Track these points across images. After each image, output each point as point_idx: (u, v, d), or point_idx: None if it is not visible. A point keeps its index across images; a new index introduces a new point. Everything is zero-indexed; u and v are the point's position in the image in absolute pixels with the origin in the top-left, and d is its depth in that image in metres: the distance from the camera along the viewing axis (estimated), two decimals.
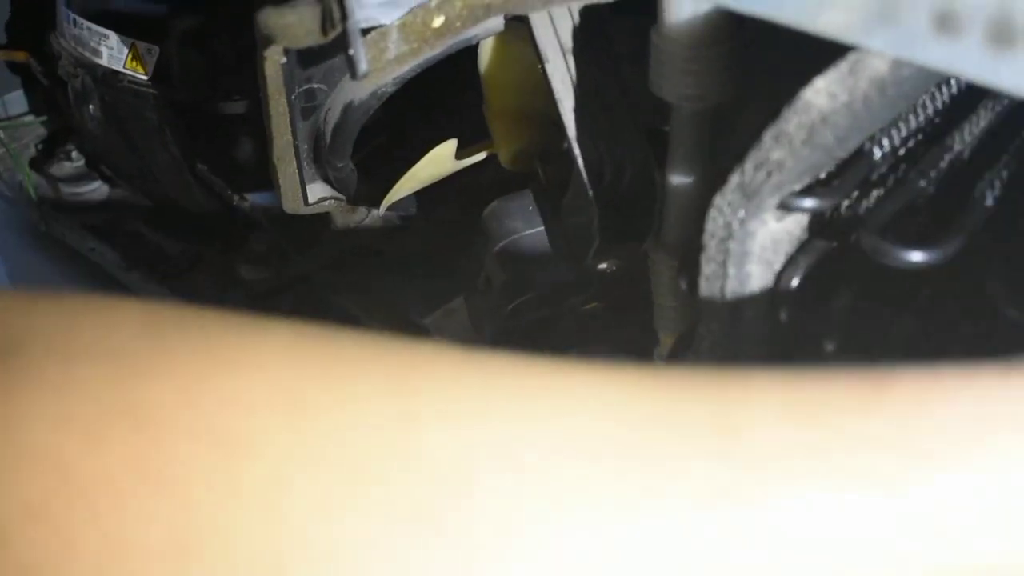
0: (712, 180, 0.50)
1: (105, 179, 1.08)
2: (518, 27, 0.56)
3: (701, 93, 0.45)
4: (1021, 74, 0.31)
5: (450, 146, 0.62)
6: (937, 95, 0.43)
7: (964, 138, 0.42)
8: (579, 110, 0.50)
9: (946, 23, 0.32)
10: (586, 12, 0.51)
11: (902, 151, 0.42)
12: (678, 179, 0.49)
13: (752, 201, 0.36)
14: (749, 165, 0.36)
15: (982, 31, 0.31)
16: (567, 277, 0.57)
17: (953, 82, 0.43)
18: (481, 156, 0.65)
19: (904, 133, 0.42)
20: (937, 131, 0.43)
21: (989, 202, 0.40)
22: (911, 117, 0.42)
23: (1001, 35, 0.31)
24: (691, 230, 0.51)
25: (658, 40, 0.45)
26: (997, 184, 0.40)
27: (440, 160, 0.62)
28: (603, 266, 0.53)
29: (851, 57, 0.34)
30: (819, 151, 0.36)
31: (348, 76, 0.54)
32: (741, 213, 0.37)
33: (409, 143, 0.72)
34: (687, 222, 0.51)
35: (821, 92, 0.34)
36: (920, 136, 0.43)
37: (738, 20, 0.44)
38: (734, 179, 0.36)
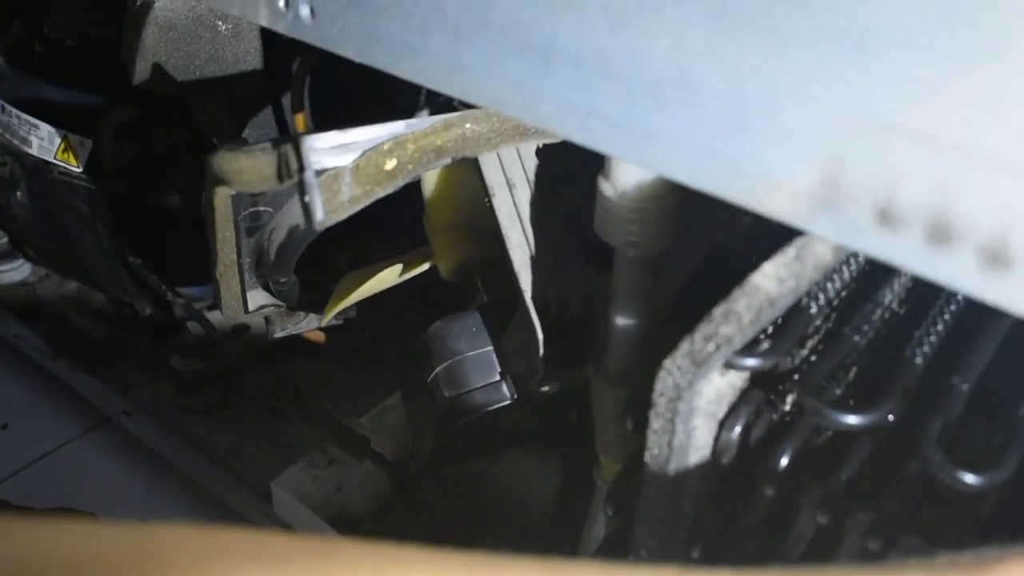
0: (650, 321, 0.52)
1: (29, 259, 1.06)
2: None
3: (644, 240, 0.47)
4: (957, 270, 0.33)
5: (396, 269, 0.63)
6: None
7: (894, 290, 0.45)
8: (525, 244, 0.51)
9: (887, 217, 0.33)
10: (531, 151, 0.53)
11: (836, 303, 0.44)
12: (620, 317, 0.51)
13: (700, 367, 0.38)
14: (699, 336, 0.37)
15: (922, 227, 0.33)
16: (508, 395, 0.58)
17: None
18: (423, 268, 0.66)
19: (838, 285, 0.44)
20: (867, 282, 0.45)
21: (919, 360, 0.42)
22: (844, 268, 0.44)
23: (939, 233, 0.33)
24: (633, 364, 0.52)
25: (605, 189, 0.46)
26: (927, 345, 0.42)
27: (386, 280, 0.63)
28: (545, 389, 0.55)
29: (798, 243, 0.36)
30: (764, 326, 0.38)
31: (294, 198, 0.55)
32: (689, 377, 0.38)
33: (348, 249, 0.72)
34: (629, 356, 0.52)
35: (770, 277, 0.36)
36: (852, 287, 0.45)
37: None
38: (684, 347, 0.37)
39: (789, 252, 0.36)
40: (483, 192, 0.52)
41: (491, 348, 0.56)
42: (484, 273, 0.62)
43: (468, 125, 0.47)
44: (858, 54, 0.32)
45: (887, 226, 0.34)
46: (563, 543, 0.63)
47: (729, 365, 0.40)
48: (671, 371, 0.38)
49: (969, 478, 0.37)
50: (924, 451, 0.38)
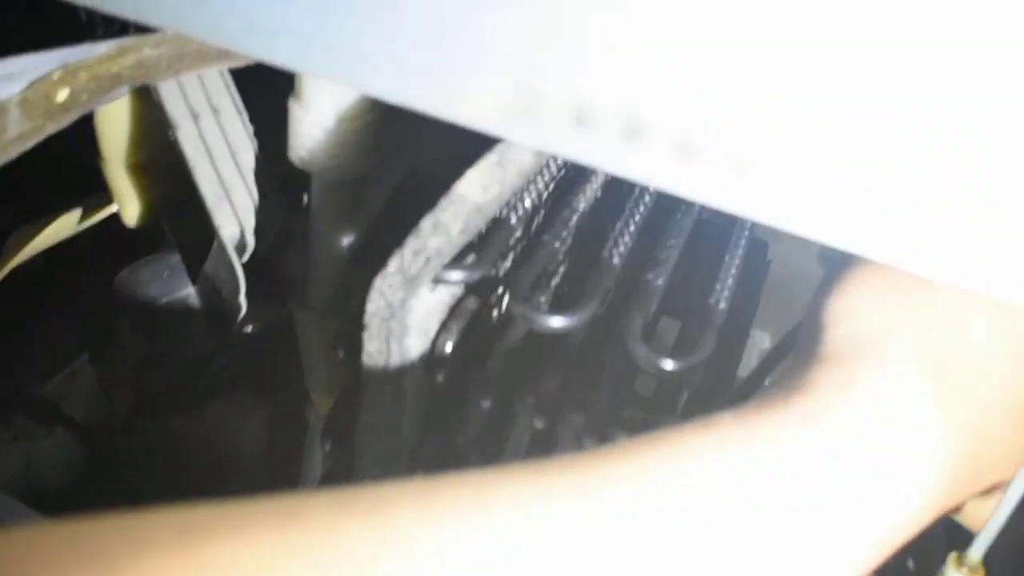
0: (354, 246, 0.51)
1: None
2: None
3: (343, 164, 0.46)
4: (650, 166, 0.34)
5: (75, 215, 0.58)
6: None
7: (587, 196, 0.46)
8: (215, 178, 0.49)
9: (583, 119, 0.34)
10: (217, 78, 0.50)
11: (534, 210, 0.45)
12: (321, 246, 0.49)
13: (411, 283, 0.37)
14: (408, 252, 0.37)
15: (618, 126, 0.34)
16: (209, 341, 0.55)
17: None
18: (106, 214, 0.61)
19: (534, 196, 0.45)
20: (562, 190, 0.47)
21: (616, 261, 0.43)
22: (539, 179, 0.45)
23: (633, 130, 0.34)
24: (337, 294, 0.51)
25: (297, 112, 0.45)
26: (622, 245, 0.44)
27: (64, 228, 0.58)
28: (249, 329, 0.53)
29: (499, 149, 0.36)
30: (473, 235, 0.38)
31: None
32: (401, 295, 0.38)
33: (14, 202, 0.66)
34: (332, 286, 0.51)
35: (474, 184, 0.36)
36: (547, 197, 0.46)
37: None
38: (394, 264, 0.37)
39: (490, 159, 0.36)
40: (165, 126, 0.49)
41: (188, 292, 0.53)
42: (171, 214, 0.59)
43: (146, 50, 0.44)
44: None
45: (584, 127, 0.35)
46: (280, 488, 0.61)
47: (438, 280, 0.40)
48: (382, 291, 0.38)
49: (669, 365, 0.39)
50: (628, 346, 0.40)
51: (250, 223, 0.48)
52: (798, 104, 0.32)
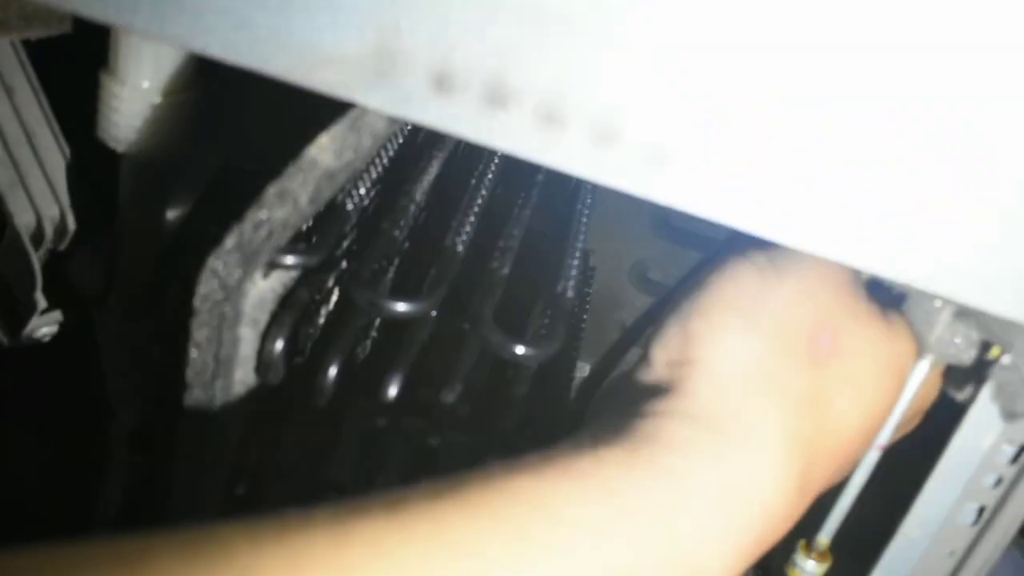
0: (164, 238, 0.47)
1: None
2: None
3: (159, 143, 0.42)
4: (513, 133, 0.33)
5: None
6: (388, 145, 0.44)
7: (423, 187, 0.44)
8: (8, 161, 0.44)
9: (443, 83, 0.32)
10: (11, 55, 0.45)
11: (368, 201, 0.43)
12: (131, 231, 0.45)
13: (250, 262, 0.34)
14: (248, 225, 0.33)
15: (479, 91, 0.32)
16: None
17: (400, 132, 0.45)
18: None
19: (368, 183, 0.42)
20: (394, 179, 0.44)
21: (460, 249, 0.42)
22: (371, 167, 0.43)
23: (496, 96, 0.32)
24: (149, 289, 0.47)
25: (111, 84, 0.41)
26: (464, 232, 0.42)
27: None
28: (45, 331, 0.47)
29: (352, 114, 0.34)
30: (318, 207, 0.35)
31: None
32: (238, 274, 0.34)
33: None
34: (142, 280, 0.47)
35: (327, 149, 0.33)
36: (381, 186, 0.44)
37: (199, 68, 0.42)
38: (231, 240, 0.34)
39: (343, 123, 0.33)
40: None
41: None
42: None
43: None
44: None
45: (444, 93, 0.33)
46: (68, 518, 0.56)
47: (273, 264, 0.37)
48: (216, 270, 0.34)
49: (524, 351, 0.38)
50: (483, 332, 0.38)
51: (49, 212, 0.44)
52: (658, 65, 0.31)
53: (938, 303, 0.38)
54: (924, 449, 0.41)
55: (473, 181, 0.46)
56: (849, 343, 0.36)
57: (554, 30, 0.32)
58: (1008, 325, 0.35)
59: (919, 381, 0.38)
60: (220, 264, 0.34)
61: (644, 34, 0.31)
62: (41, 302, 0.44)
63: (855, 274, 0.38)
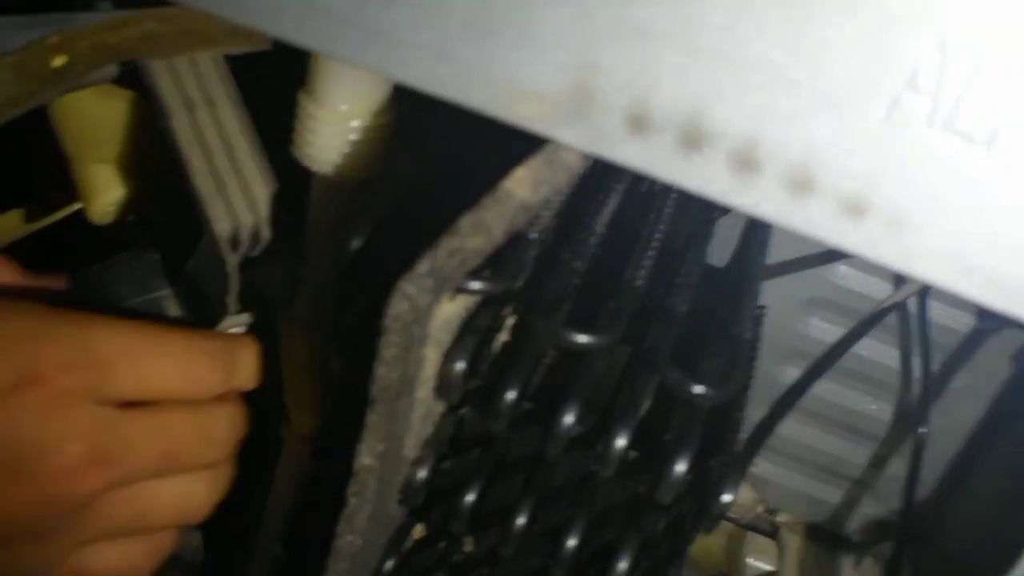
0: (351, 255, 0.49)
1: None
2: None
3: (352, 165, 0.43)
4: (706, 176, 0.33)
5: (15, 216, 0.55)
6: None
7: (603, 219, 0.45)
8: (209, 170, 0.46)
9: (639, 124, 0.33)
10: (213, 69, 0.47)
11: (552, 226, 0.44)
12: (317, 253, 0.47)
13: (441, 287, 0.35)
14: (442, 252, 0.35)
15: (674, 133, 0.33)
16: None
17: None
18: (66, 212, 0.58)
19: (550, 212, 0.43)
20: (574, 210, 0.45)
21: (639, 283, 0.42)
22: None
23: (690, 139, 0.33)
24: (333, 303, 0.49)
25: (309, 105, 0.42)
26: (643, 265, 0.43)
27: (9, 230, 0.55)
28: (234, 332, 0.50)
29: (548, 148, 0.35)
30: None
31: None
32: (428, 298, 0.35)
33: None
34: (326, 293, 0.49)
35: (524, 183, 0.34)
36: (561, 215, 0.45)
37: (397, 94, 0.43)
38: (424, 265, 0.35)
39: (540, 157, 0.34)
40: (157, 115, 0.47)
41: (163, 293, 0.50)
42: (147, 211, 0.56)
43: (150, 24, 0.41)
44: None
45: (638, 132, 0.33)
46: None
47: (460, 289, 0.38)
48: (407, 293, 0.36)
49: (702, 391, 0.38)
50: (661, 369, 0.38)
51: (246, 220, 0.46)
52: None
53: None
54: None
55: (652, 215, 0.46)
56: None
57: (755, 78, 0.32)
58: None
59: None
60: (412, 288, 0.35)
61: (845, 83, 0.31)
62: (233, 306, 0.47)
63: None
